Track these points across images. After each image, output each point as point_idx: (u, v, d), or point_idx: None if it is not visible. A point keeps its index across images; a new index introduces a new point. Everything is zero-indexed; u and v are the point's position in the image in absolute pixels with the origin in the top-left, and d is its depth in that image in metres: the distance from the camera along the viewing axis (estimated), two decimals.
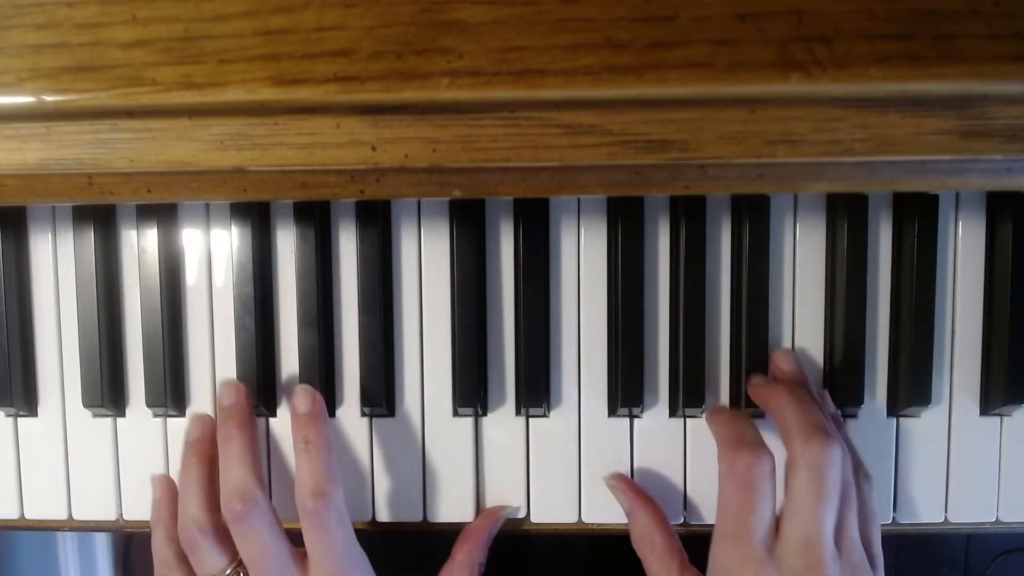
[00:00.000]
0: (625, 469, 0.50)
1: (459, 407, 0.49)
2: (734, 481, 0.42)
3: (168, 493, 0.49)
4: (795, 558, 0.40)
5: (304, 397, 0.47)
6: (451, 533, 0.51)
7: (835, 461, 0.41)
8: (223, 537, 0.45)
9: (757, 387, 0.47)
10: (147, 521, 0.50)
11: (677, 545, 0.46)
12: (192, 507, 0.45)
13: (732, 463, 0.42)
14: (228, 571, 0.44)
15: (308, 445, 0.45)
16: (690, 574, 0.45)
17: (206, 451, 0.47)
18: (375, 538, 0.48)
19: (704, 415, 0.48)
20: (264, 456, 0.51)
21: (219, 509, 0.45)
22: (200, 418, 0.49)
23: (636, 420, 0.50)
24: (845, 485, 0.42)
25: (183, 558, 0.46)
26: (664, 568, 0.45)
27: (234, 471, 0.45)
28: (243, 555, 0.43)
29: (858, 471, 0.45)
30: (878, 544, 0.44)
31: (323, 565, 0.43)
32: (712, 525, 0.50)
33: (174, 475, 0.51)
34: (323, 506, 0.43)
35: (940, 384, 0.49)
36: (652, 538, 0.46)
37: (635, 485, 0.48)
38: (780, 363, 0.48)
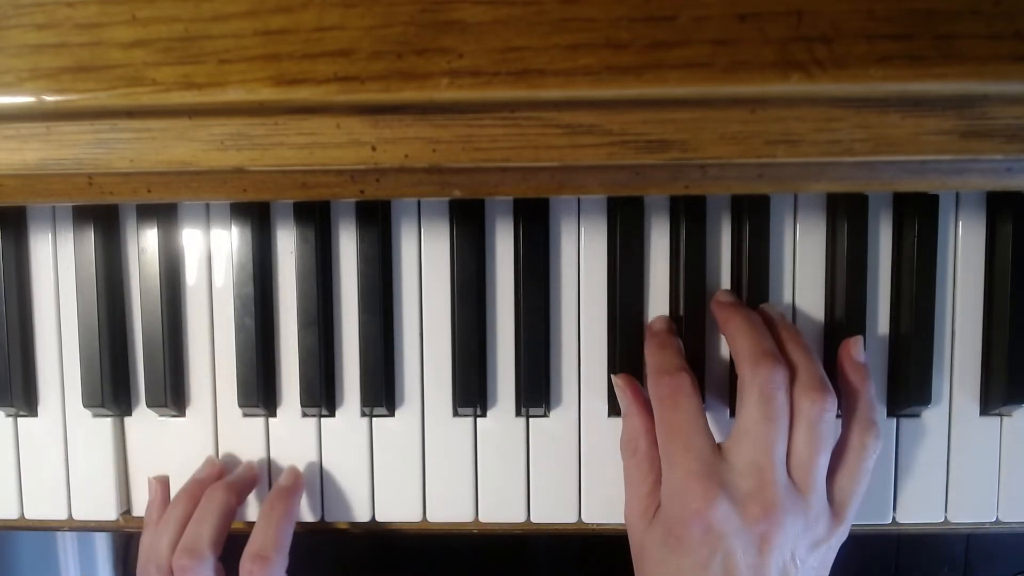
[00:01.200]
0: None
1: (459, 407, 0.49)
2: (661, 404, 0.43)
3: (162, 496, 0.49)
4: (743, 480, 0.41)
5: (288, 475, 0.50)
6: (451, 534, 0.51)
7: (781, 386, 0.41)
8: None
9: (718, 306, 0.47)
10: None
11: (658, 459, 0.45)
12: (162, 542, 0.46)
13: (656, 385, 0.44)
14: None
15: (271, 512, 0.47)
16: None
17: (200, 495, 0.48)
18: (375, 538, 0.48)
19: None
20: (265, 456, 0.51)
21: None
22: (213, 463, 0.50)
23: (622, 430, 0.50)
24: (813, 428, 0.41)
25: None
26: (641, 476, 0.45)
27: (201, 527, 0.45)
28: None
29: (866, 430, 0.44)
30: (853, 500, 0.43)
31: None
32: None
33: (172, 475, 0.51)
34: (259, 570, 0.44)
35: (940, 384, 0.49)
36: (637, 442, 0.45)
37: (639, 389, 0.47)
38: (720, 298, 0.48)
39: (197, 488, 0.48)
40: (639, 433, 0.45)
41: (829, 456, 0.42)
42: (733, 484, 0.41)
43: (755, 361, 0.42)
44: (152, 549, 0.46)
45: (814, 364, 0.43)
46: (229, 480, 0.48)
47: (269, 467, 0.51)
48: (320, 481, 0.51)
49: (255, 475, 0.50)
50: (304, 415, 0.51)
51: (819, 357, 0.49)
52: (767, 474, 0.40)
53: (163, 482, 0.50)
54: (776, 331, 0.45)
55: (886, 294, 0.49)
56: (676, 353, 0.46)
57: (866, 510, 0.45)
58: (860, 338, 0.47)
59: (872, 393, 0.45)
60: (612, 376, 0.48)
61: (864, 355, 0.46)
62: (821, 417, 0.42)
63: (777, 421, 0.41)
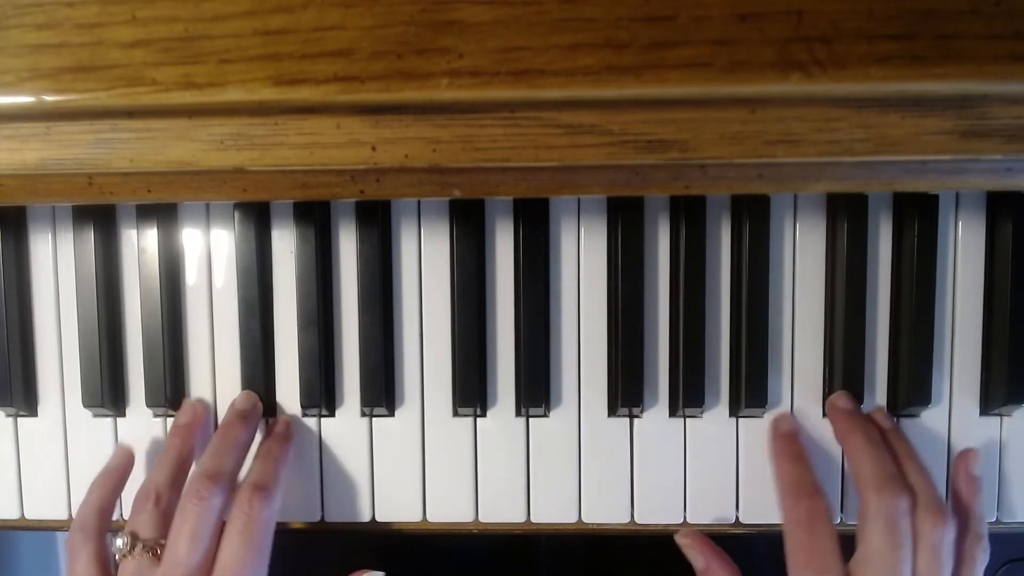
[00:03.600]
0: (625, 469, 0.50)
1: (459, 407, 0.49)
2: (799, 527, 0.43)
3: (123, 465, 0.49)
4: None
5: (283, 423, 0.50)
6: (450, 534, 0.51)
7: (906, 512, 0.42)
8: (166, 516, 0.44)
9: (836, 413, 0.48)
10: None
11: None
12: (161, 476, 0.45)
13: (795, 507, 0.43)
14: (148, 544, 0.43)
15: (270, 452, 0.47)
16: None
17: (190, 438, 0.48)
18: (374, 538, 0.48)
19: (770, 450, 0.49)
20: None
21: (179, 492, 0.45)
22: (192, 405, 0.50)
23: (636, 420, 0.50)
24: (936, 552, 0.42)
25: (101, 533, 0.46)
26: None
27: (223, 458, 0.45)
28: (172, 531, 0.43)
29: (977, 543, 0.45)
30: None
31: (228, 567, 0.42)
32: (711, 525, 0.50)
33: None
34: (259, 499, 0.43)
35: (940, 384, 0.49)
36: None
37: (709, 542, 0.47)
38: (839, 403, 0.48)
39: (187, 432, 0.48)
40: None
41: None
42: None
43: (879, 487, 0.42)
44: (151, 480, 0.45)
45: (933, 486, 0.44)
46: (243, 417, 0.48)
47: None
48: (320, 481, 0.51)
49: (259, 406, 0.49)
50: (304, 415, 0.51)
51: (820, 361, 0.49)
52: None
53: (127, 452, 0.49)
54: (891, 445, 0.46)
55: (886, 294, 0.49)
56: (809, 466, 0.46)
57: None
58: (977, 452, 0.48)
59: (982, 507, 0.46)
60: (677, 537, 0.48)
61: (979, 468, 0.47)
62: (943, 539, 0.42)
63: (903, 548, 0.41)
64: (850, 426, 0.46)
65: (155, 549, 0.43)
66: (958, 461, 0.47)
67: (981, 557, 0.44)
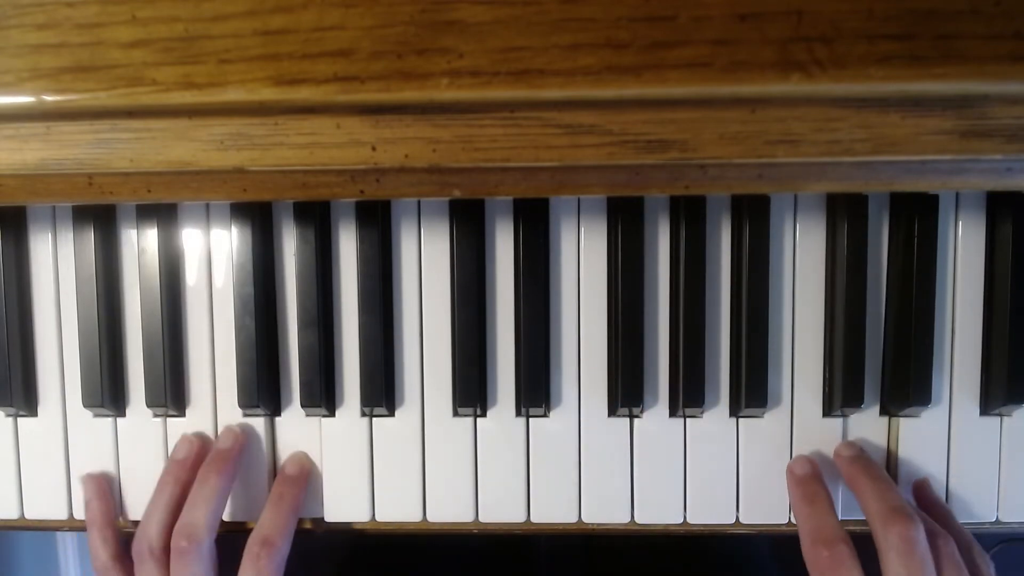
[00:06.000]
0: (625, 469, 0.50)
1: (459, 407, 0.49)
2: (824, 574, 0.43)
3: (98, 494, 0.50)
4: None
5: (294, 463, 0.50)
6: (450, 534, 0.51)
7: (919, 540, 0.42)
8: (164, 565, 0.45)
9: (841, 461, 0.48)
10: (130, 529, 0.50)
11: None
12: (152, 526, 0.46)
13: (816, 556, 0.43)
14: None
15: (281, 500, 0.48)
16: None
17: (184, 475, 0.48)
18: (375, 538, 0.48)
19: (789, 493, 0.49)
20: (266, 456, 0.51)
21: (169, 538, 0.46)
22: (189, 440, 0.50)
23: (636, 420, 0.50)
24: (955, 566, 0.42)
25: (119, 559, 0.48)
26: None
27: (196, 510, 0.46)
28: None
29: (970, 550, 0.45)
30: None
31: None
32: (711, 525, 0.50)
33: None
34: (267, 556, 0.45)
35: (940, 384, 0.49)
36: None
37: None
38: (843, 452, 0.49)
39: (181, 470, 0.48)
40: None
41: None
42: None
43: (886, 519, 0.42)
44: (142, 534, 0.46)
45: (948, 511, 0.45)
46: (218, 461, 0.48)
47: (273, 467, 0.51)
48: (320, 481, 0.51)
49: (241, 444, 0.50)
50: (304, 415, 0.51)
51: (820, 361, 0.49)
52: None
53: (96, 480, 0.50)
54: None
55: (886, 294, 0.49)
56: (830, 510, 0.46)
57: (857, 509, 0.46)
58: (927, 480, 0.49)
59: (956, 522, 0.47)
60: None
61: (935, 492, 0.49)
62: (955, 550, 0.43)
63: (924, 572, 0.41)
64: (854, 470, 0.47)
65: None
66: (917, 487, 0.49)
67: (986, 562, 0.45)
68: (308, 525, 0.51)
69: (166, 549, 0.46)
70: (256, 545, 0.45)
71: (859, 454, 0.48)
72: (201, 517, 0.45)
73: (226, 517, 0.50)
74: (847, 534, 0.43)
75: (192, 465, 0.48)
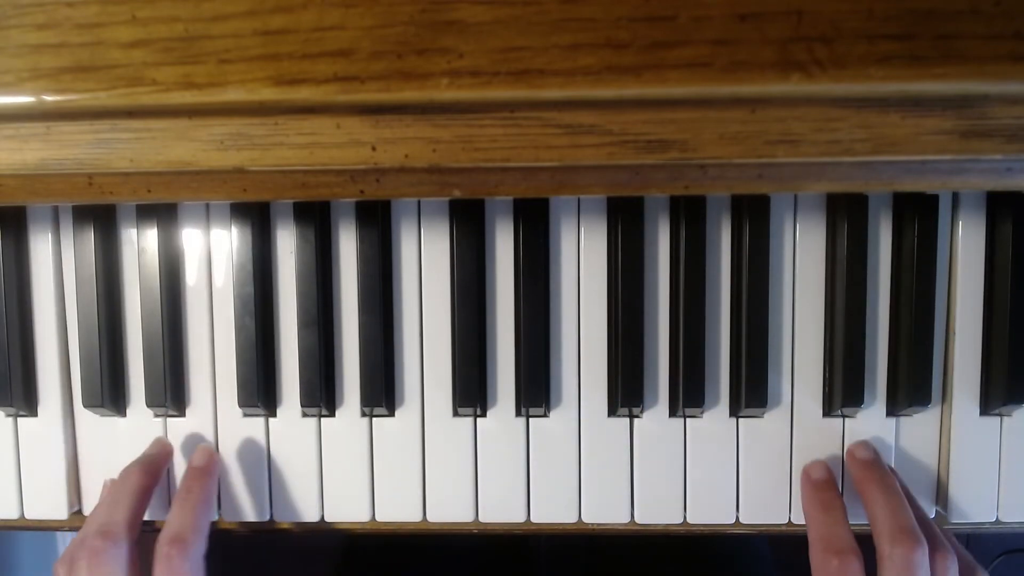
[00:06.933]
0: (625, 469, 0.50)
1: (459, 407, 0.49)
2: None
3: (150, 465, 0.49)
4: None
5: (201, 454, 0.49)
6: (451, 534, 0.51)
7: (922, 564, 0.41)
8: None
9: (854, 463, 0.47)
10: (148, 521, 0.50)
11: None
12: (90, 525, 0.45)
13: (824, 565, 0.43)
14: None
15: (188, 495, 0.46)
16: None
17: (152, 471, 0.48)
18: (374, 538, 0.48)
19: (802, 497, 0.48)
20: (265, 456, 0.51)
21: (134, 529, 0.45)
22: (161, 442, 0.50)
23: (636, 420, 0.50)
24: None
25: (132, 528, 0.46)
26: None
27: (114, 509, 0.44)
28: None
29: (974, 573, 0.45)
30: None
31: None
32: (711, 525, 0.50)
33: (182, 476, 0.51)
34: (178, 554, 0.43)
35: (940, 384, 0.49)
36: None
37: None
38: (857, 453, 0.48)
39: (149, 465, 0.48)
40: None
41: None
42: None
43: (893, 537, 0.42)
44: (82, 531, 0.45)
45: (946, 540, 0.44)
46: (142, 460, 0.48)
47: (269, 468, 0.51)
48: (320, 481, 0.51)
49: (168, 451, 0.50)
50: (304, 415, 0.51)
51: (820, 361, 0.49)
52: None
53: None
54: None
55: (886, 294, 0.49)
56: (843, 520, 0.45)
57: (862, 511, 0.46)
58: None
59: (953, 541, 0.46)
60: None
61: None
62: (956, 571, 0.43)
63: None
64: (867, 476, 0.46)
65: None
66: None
67: None
68: (301, 526, 0.51)
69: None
70: (166, 544, 0.43)
71: (875, 459, 0.47)
72: (118, 514, 0.44)
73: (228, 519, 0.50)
74: (858, 547, 0.43)
75: (158, 464, 0.49)
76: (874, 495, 0.45)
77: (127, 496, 0.45)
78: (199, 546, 0.44)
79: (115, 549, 0.43)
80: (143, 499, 0.46)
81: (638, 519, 0.50)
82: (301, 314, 0.49)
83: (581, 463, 0.50)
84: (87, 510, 0.51)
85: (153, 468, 0.48)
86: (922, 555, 0.41)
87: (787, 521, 0.50)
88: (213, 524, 0.51)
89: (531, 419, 0.50)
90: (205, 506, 0.46)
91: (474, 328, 0.49)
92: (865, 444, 0.48)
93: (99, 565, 0.42)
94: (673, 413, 0.50)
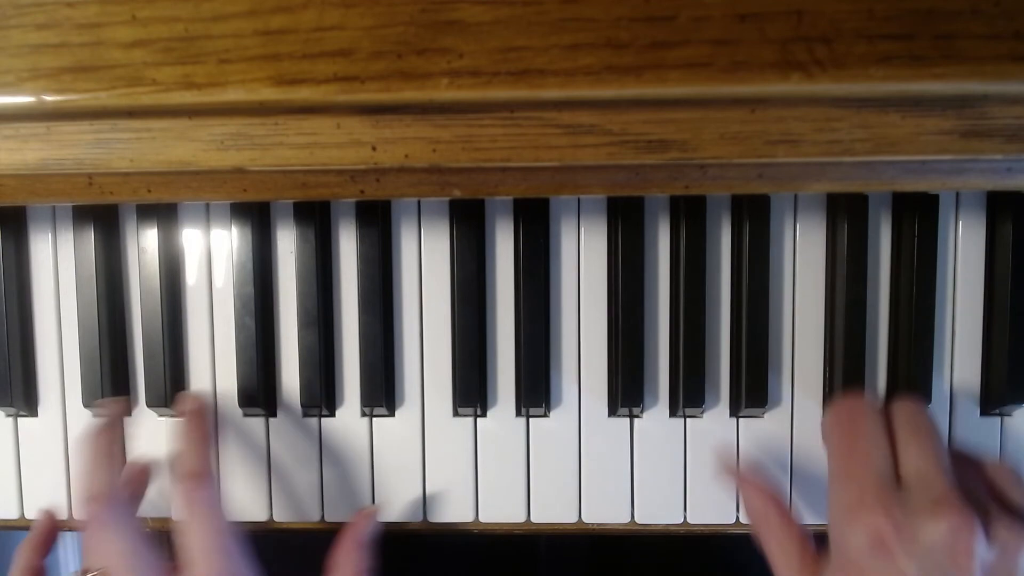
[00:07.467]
0: (625, 469, 0.50)
1: (459, 407, 0.49)
2: (837, 431, 0.42)
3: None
4: (917, 494, 0.38)
5: (190, 399, 0.48)
6: (451, 534, 0.51)
7: (922, 407, 0.41)
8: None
9: (901, 412, 0.43)
10: (146, 520, 0.50)
11: (801, 531, 0.43)
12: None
13: (836, 409, 0.42)
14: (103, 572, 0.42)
15: (191, 433, 0.45)
16: (810, 553, 0.42)
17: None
18: (375, 538, 0.48)
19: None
20: (265, 456, 0.51)
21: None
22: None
23: (636, 420, 0.50)
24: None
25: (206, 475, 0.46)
26: (786, 558, 0.42)
27: (95, 477, 0.44)
28: (101, 560, 0.41)
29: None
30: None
31: (197, 556, 0.41)
32: (711, 525, 0.50)
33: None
34: (198, 488, 0.43)
35: (940, 384, 0.49)
36: (779, 532, 0.43)
37: (763, 485, 0.45)
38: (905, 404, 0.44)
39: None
40: (777, 525, 0.43)
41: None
42: (907, 501, 0.38)
43: (937, 507, 0.37)
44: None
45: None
46: (103, 425, 0.46)
47: (269, 467, 0.51)
48: (320, 481, 0.51)
49: (116, 406, 0.48)
50: (304, 415, 0.51)
51: (820, 361, 0.49)
52: (939, 481, 0.38)
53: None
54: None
55: (886, 294, 0.49)
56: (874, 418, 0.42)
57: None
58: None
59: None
60: (734, 475, 0.47)
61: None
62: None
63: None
64: (920, 424, 0.42)
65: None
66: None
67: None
68: (304, 525, 0.51)
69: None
70: (183, 483, 0.43)
71: (924, 411, 0.43)
72: (101, 479, 0.43)
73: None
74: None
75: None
76: (922, 446, 0.41)
77: (99, 462, 0.44)
78: (214, 479, 0.44)
79: (110, 511, 0.42)
80: (113, 459, 0.45)
81: (638, 519, 0.50)
82: (301, 314, 0.49)
83: (581, 463, 0.50)
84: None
85: (112, 429, 0.47)
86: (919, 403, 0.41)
87: None
88: None
89: (531, 419, 0.50)
90: (206, 441, 0.46)
91: (474, 328, 0.49)
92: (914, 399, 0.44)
93: (103, 529, 0.41)
94: (673, 413, 0.50)
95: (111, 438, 0.46)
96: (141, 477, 0.49)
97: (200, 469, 0.44)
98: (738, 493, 0.49)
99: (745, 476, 0.46)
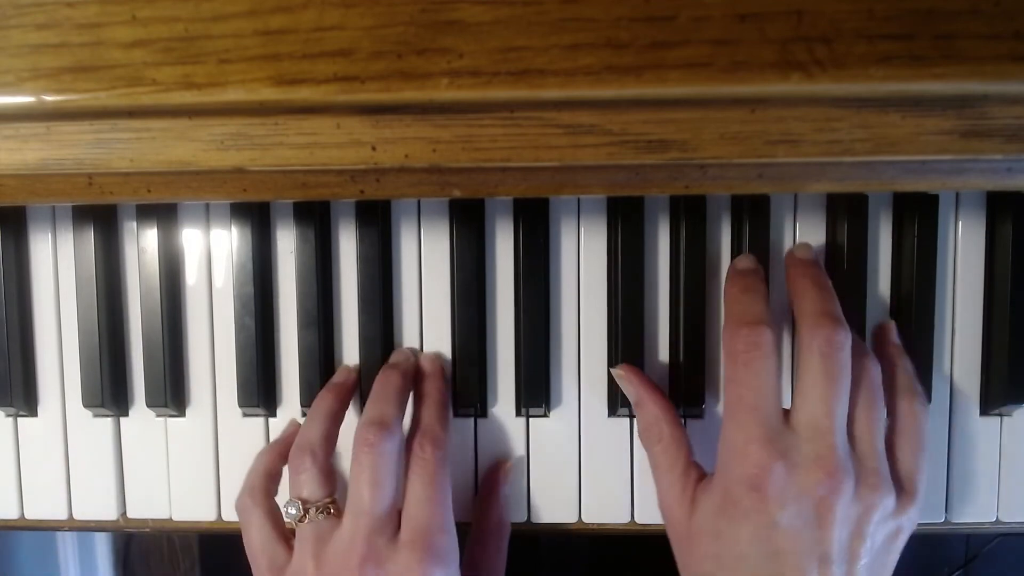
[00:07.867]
0: (625, 469, 0.50)
1: (459, 407, 0.49)
2: (740, 359, 0.42)
3: (293, 434, 0.49)
4: (805, 443, 0.40)
5: (428, 359, 0.49)
6: None
7: (843, 347, 0.41)
8: (326, 473, 0.45)
9: (792, 261, 0.46)
10: (146, 520, 0.50)
11: (685, 438, 0.45)
12: (313, 433, 0.45)
13: (732, 337, 0.42)
14: (320, 504, 0.44)
15: (429, 396, 0.47)
16: (695, 469, 0.44)
17: (344, 396, 0.48)
18: None
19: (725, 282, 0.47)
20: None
21: (333, 449, 0.46)
22: (347, 368, 0.50)
23: (636, 420, 0.50)
24: (873, 389, 0.42)
25: (270, 495, 0.47)
26: (670, 461, 0.44)
27: (385, 405, 0.45)
28: (351, 482, 0.43)
29: (913, 398, 0.44)
30: (919, 472, 0.43)
31: (416, 513, 0.43)
32: None
33: (173, 476, 0.51)
34: (431, 445, 0.44)
35: (940, 384, 0.49)
36: (659, 428, 0.45)
37: (643, 375, 0.47)
38: (797, 252, 0.47)
39: (341, 390, 0.48)
40: (658, 419, 0.45)
41: (885, 419, 0.43)
42: (794, 449, 0.40)
43: (817, 323, 0.41)
44: (300, 440, 0.45)
45: (901, 350, 0.45)
46: (397, 367, 0.48)
47: None
48: None
49: (408, 357, 0.49)
50: (305, 415, 0.51)
51: None
52: (828, 437, 0.40)
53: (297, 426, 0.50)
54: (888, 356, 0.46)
55: (886, 294, 0.49)
56: (760, 299, 0.43)
57: None
58: (894, 323, 0.48)
59: (910, 367, 0.46)
60: (611, 369, 0.48)
61: (897, 337, 0.47)
62: (923, 422, 0.43)
63: (838, 381, 0.41)
64: (802, 272, 0.45)
65: (328, 508, 0.44)
66: (878, 332, 0.47)
67: (921, 410, 0.44)
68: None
69: (327, 460, 0.45)
70: (419, 438, 0.44)
71: (815, 259, 0.46)
72: (390, 411, 0.44)
73: (228, 518, 0.50)
74: (773, 323, 0.42)
75: (349, 389, 0.49)
76: (804, 288, 0.44)
77: (391, 394, 0.45)
78: (447, 440, 0.45)
79: (389, 442, 0.43)
80: (404, 399, 0.46)
81: (638, 519, 0.50)
82: (301, 314, 0.49)
83: (581, 463, 0.50)
84: (84, 511, 0.52)
85: (407, 374, 0.48)
86: (844, 337, 0.41)
87: None
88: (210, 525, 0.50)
89: (531, 419, 0.50)
90: (445, 404, 0.47)
91: (474, 328, 0.49)
92: (806, 245, 0.47)
93: (379, 457, 0.42)
94: None
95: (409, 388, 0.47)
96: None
97: (435, 427, 0.45)
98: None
99: (629, 371, 0.47)
